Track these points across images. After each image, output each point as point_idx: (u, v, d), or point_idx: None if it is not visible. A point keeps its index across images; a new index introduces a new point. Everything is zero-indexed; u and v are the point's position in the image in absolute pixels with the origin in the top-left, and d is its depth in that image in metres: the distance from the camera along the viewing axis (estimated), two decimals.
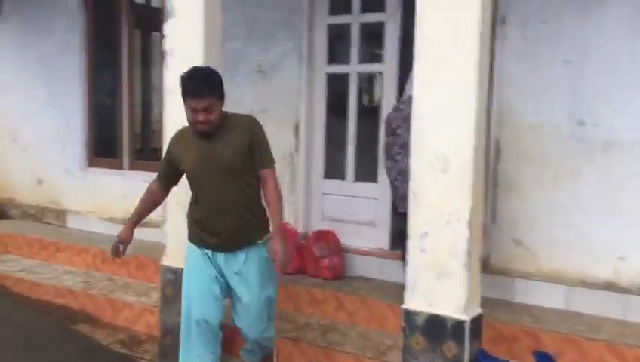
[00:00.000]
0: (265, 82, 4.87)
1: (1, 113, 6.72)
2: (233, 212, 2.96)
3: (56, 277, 5.10)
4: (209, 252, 3.05)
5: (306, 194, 4.82)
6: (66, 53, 6.14)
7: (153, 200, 3.22)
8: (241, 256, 3.03)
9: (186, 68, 2.95)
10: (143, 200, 3.22)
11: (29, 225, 6.34)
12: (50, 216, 6.36)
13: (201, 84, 2.81)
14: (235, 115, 3.04)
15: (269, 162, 3.02)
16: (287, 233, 4.66)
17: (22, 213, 6.60)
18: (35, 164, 6.48)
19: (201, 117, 2.82)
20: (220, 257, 3.05)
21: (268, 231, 3.06)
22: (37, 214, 6.46)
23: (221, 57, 3.68)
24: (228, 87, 2.98)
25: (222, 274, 3.08)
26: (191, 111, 2.84)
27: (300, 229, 4.76)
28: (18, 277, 5.18)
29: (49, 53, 6.27)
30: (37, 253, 5.69)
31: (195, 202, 3.06)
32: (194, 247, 3.12)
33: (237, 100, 4.91)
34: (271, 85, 4.85)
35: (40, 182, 6.46)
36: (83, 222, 6.08)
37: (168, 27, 3.63)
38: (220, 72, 2.99)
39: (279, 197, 3.00)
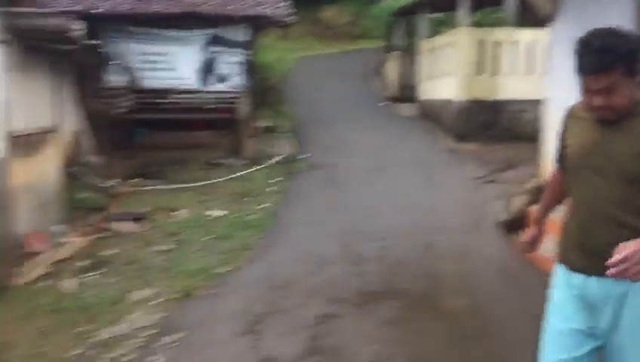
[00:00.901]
0: None
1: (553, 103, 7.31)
2: (616, 226, 2.09)
3: None
4: (578, 278, 2.20)
5: None
6: None
7: (556, 191, 2.53)
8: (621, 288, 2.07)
9: None
10: (548, 191, 2.59)
11: None
12: None
13: (597, 56, 2.00)
14: None
15: None
16: None
17: None
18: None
19: (597, 101, 2.05)
20: (592, 284, 2.15)
21: None
22: None
23: None
24: None
25: (594, 309, 2.16)
26: (585, 91, 2.09)
27: None
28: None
29: None
30: None
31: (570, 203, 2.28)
32: (561, 270, 2.31)
33: None
34: None
35: None
36: None
37: None
38: None
39: None
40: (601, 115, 2.11)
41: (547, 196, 2.58)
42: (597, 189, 2.13)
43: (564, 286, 2.27)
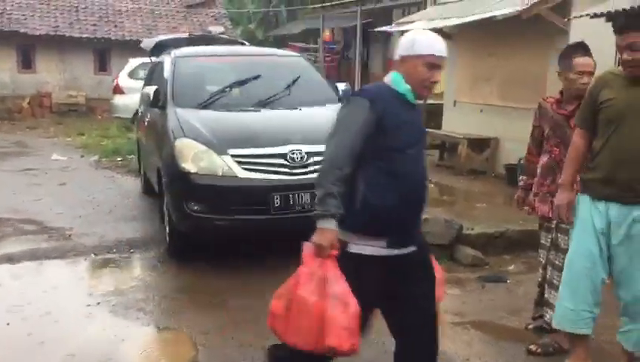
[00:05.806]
0: None
1: None
2: None
3: None
4: (601, 204, 2.75)
5: None
6: None
7: (583, 155, 2.89)
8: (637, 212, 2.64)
9: None
10: (575, 158, 2.89)
11: None
12: None
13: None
14: None
15: None
16: None
17: None
18: None
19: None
20: (613, 209, 2.71)
21: None
22: None
23: None
24: None
25: (608, 236, 2.74)
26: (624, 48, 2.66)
27: None
28: None
29: None
30: None
31: (602, 149, 2.74)
32: (584, 198, 2.84)
33: None
34: None
35: None
36: None
37: None
38: None
39: None
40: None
41: (575, 162, 2.87)
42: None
43: (585, 212, 2.78)
